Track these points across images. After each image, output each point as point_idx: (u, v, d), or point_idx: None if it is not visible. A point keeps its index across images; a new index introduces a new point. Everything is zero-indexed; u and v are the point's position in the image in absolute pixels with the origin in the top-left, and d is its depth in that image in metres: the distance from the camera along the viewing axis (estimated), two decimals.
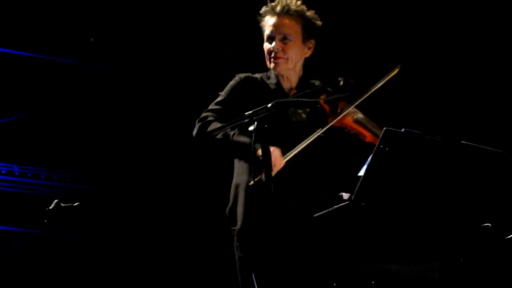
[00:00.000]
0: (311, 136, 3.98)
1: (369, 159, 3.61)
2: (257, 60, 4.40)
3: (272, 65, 4.19)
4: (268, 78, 4.26)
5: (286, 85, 4.24)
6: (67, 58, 7.52)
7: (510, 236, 3.84)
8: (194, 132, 4.16)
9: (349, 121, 4.11)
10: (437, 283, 3.80)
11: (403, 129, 3.55)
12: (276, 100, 3.66)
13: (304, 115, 4.14)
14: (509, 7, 6.39)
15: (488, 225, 3.71)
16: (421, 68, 6.53)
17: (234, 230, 4.14)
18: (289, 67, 4.18)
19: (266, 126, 3.58)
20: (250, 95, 4.15)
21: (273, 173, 3.73)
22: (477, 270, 3.79)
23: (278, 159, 3.89)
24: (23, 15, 7.31)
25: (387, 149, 3.53)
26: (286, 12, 4.14)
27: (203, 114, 4.18)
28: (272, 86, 4.22)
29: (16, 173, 7.57)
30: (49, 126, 7.52)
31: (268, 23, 4.19)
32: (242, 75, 4.26)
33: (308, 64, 4.26)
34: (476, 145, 3.63)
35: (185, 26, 7.31)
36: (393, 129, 3.54)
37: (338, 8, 6.63)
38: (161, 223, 7.57)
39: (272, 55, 4.16)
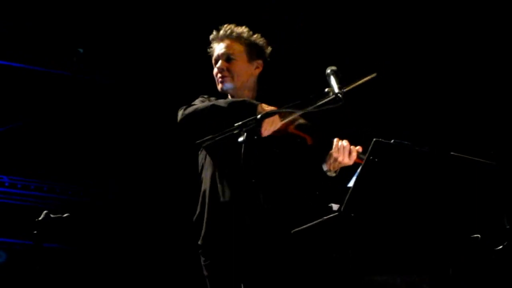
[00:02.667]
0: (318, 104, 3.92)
1: (359, 170, 3.61)
2: None
3: (219, 85, 4.34)
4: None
5: None
6: (58, 69, 7.51)
7: (500, 247, 3.84)
8: (179, 116, 4.22)
9: (291, 128, 4.11)
10: None
11: (392, 140, 3.56)
12: (265, 111, 3.69)
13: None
14: (498, 18, 6.41)
15: (478, 236, 3.71)
16: (409, 79, 6.55)
17: (198, 245, 4.19)
18: (236, 85, 4.30)
19: (255, 137, 3.60)
20: None
21: (267, 128, 3.91)
22: (466, 281, 3.79)
23: (276, 118, 3.97)
24: (15, 27, 7.31)
25: (376, 160, 3.53)
26: (228, 35, 4.34)
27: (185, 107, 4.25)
28: None
29: (6, 184, 7.56)
30: (40, 137, 7.52)
31: (214, 48, 4.39)
32: (206, 96, 4.36)
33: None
34: (465, 156, 3.63)
35: (178, 35, 7.32)
36: (382, 140, 3.54)
37: (324, 14, 6.66)
38: (152, 234, 7.56)
39: (218, 75, 4.33)
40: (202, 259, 4.20)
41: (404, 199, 3.61)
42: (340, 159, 4.03)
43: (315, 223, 3.71)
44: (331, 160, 4.07)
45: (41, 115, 7.49)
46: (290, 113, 4.00)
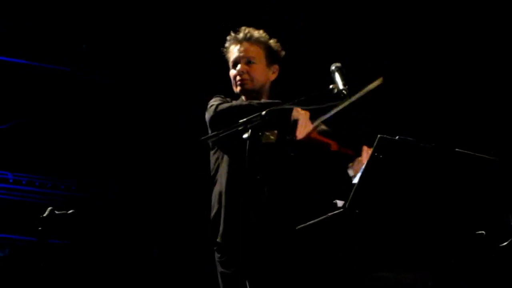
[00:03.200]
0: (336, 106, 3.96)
1: (363, 166, 3.61)
2: None
3: (238, 88, 4.35)
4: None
5: None
6: (62, 65, 7.52)
7: (504, 244, 3.83)
8: (211, 111, 4.20)
9: (315, 134, 4.12)
10: None
11: (397, 137, 3.55)
12: (269, 108, 3.69)
13: (272, 137, 4.16)
14: (497, 18, 6.41)
15: (482, 233, 3.71)
16: (413, 76, 6.54)
17: (216, 242, 4.20)
18: (255, 88, 4.33)
19: (260, 134, 3.61)
20: None
21: (301, 131, 3.95)
22: (471, 278, 3.79)
23: (309, 121, 4.00)
24: (15, 26, 7.32)
25: (381, 156, 3.52)
26: (248, 39, 4.36)
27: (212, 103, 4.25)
28: None
29: (11, 181, 7.58)
30: (44, 133, 7.52)
31: (233, 50, 4.39)
32: (222, 96, 4.36)
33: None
34: (470, 152, 3.63)
35: (178, 36, 7.32)
36: (387, 136, 3.54)
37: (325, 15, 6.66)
38: (156, 231, 7.57)
39: (238, 78, 4.33)
40: (218, 255, 4.21)
41: (409, 196, 3.61)
42: None
43: (320, 220, 3.71)
44: (359, 166, 4.06)
45: (45, 111, 7.50)
46: (314, 120, 4.03)
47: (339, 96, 3.88)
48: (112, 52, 7.47)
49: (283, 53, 4.45)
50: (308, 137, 4.07)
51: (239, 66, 4.34)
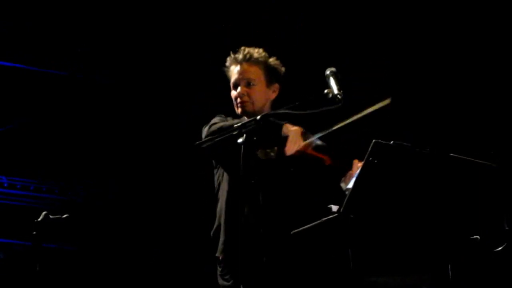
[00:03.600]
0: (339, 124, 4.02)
1: (358, 171, 3.61)
2: None
3: (239, 110, 4.37)
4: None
5: None
6: (59, 67, 7.51)
7: (499, 248, 3.84)
8: (204, 132, 4.27)
9: (309, 149, 4.14)
10: None
11: (392, 142, 3.56)
12: (264, 113, 3.71)
13: (273, 153, 4.18)
14: (497, 18, 6.41)
15: (477, 238, 3.71)
16: (410, 80, 6.54)
17: (217, 256, 4.28)
18: (256, 110, 4.32)
19: (254, 138, 3.62)
20: None
21: (291, 148, 3.97)
22: (465, 283, 3.79)
23: (301, 137, 4.03)
24: (14, 27, 7.32)
25: (375, 161, 3.53)
26: (248, 60, 4.36)
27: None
28: None
29: (5, 185, 7.56)
30: (38, 137, 7.51)
31: (233, 72, 4.40)
32: (222, 115, 4.39)
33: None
34: (465, 157, 3.63)
35: (178, 35, 7.32)
36: (381, 141, 3.54)
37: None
38: (152, 234, 7.56)
39: (238, 100, 4.35)
40: (219, 269, 4.28)
41: (404, 201, 3.61)
42: None
43: (315, 224, 3.71)
44: (350, 179, 4.07)
45: (40, 115, 7.49)
46: (309, 135, 4.05)
47: (334, 101, 3.88)
48: (112, 52, 7.47)
49: (283, 69, 4.45)
50: (299, 152, 4.08)
51: (239, 88, 4.35)
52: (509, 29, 6.35)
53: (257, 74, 4.36)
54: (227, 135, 3.73)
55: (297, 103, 3.91)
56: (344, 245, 3.77)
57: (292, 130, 4.01)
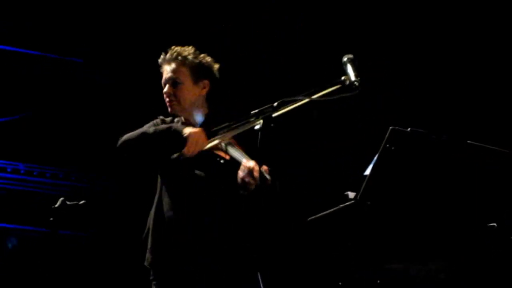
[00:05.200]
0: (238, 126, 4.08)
1: (375, 158, 3.61)
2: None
3: (169, 109, 4.48)
4: (178, 121, 4.49)
5: (191, 124, 4.43)
6: (72, 56, 7.54)
7: None
8: (118, 143, 4.42)
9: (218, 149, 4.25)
10: (443, 284, 3.80)
11: (409, 129, 3.55)
12: (282, 99, 3.70)
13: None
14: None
15: (494, 225, 3.71)
16: (426, 68, 6.53)
17: (147, 258, 4.39)
18: (184, 108, 4.45)
19: (272, 125, 3.63)
20: None
21: (190, 150, 4.11)
22: (482, 270, 3.79)
23: (202, 139, 4.17)
24: (15, 27, 7.36)
25: (393, 148, 3.53)
26: (174, 58, 4.45)
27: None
28: None
29: (22, 171, 7.59)
30: (55, 124, 7.54)
31: (163, 70, 4.50)
32: (161, 118, 4.53)
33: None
34: (482, 145, 3.62)
35: (178, 35, 7.34)
36: (399, 128, 3.54)
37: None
38: None
39: (166, 99, 4.47)
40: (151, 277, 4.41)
41: (421, 188, 3.61)
42: (246, 179, 4.05)
43: (331, 211, 3.72)
44: (239, 180, 4.12)
45: (57, 102, 7.52)
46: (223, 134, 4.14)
47: (351, 88, 3.87)
48: (111, 52, 7.51)
49: (216, 66, 4.52)
50: (201, 151, 4.17)
51: (166, 88, 4.46)
52: None
53: (182, 72, 4.43)
54: (244, 122, 3.75)
55: (312, 90, 3.90)
56: (360, 232, 3.77)
57: (192, 132, 4.15)
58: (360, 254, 3.77)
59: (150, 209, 4.45)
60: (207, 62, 4.50)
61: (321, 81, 3.98)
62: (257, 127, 3.71)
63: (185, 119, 4.48)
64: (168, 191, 4.35)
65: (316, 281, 4.07)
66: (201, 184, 4.29)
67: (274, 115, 3.74)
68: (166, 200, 4.34)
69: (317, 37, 6.98)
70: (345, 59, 3.95)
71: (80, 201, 4.80)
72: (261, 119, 3.67)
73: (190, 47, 4.50)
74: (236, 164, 4.10)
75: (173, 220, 4.28)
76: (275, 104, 3.66)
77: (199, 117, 4.47)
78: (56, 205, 4.71)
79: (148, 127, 4.38)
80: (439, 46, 6.62)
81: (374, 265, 3.77)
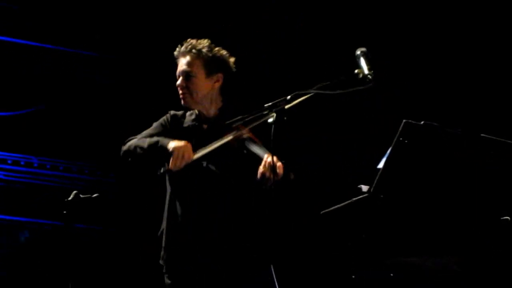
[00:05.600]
0: (218, 141, 4.23)
1: (388, 151, 3.60)
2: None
3: (182, 101, 4.50)
4: (191, 114, 4.55)
5: (205, 117, 4.51)
6: (86, 50, 7.55)
7: None
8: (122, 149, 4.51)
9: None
10: (456, 276, 3.80)
11: (422, 122, 3.55)
12: (295, 92, 3.71)
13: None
14: None
15: (507, 218, 3.70)
16: (439, 61, 6.51)
17: (161, 255, 4.45)
18: (196, 101, 4.47)
19: (285, 118, 3.63)
20: (174, 131, 4.48)
21: (176, 164, 4.17)
22: (496, 264, 3.78)
23: (188, 152, 4.21)
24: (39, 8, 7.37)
25: (406, 141, 3.53)
26: (188, 51, 4.48)
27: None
28: (190, 122, 4.53)
29: (35, 165, 7.62)
30: (68, 118, 7.56)
31: (178, 62, 4.53)
32: (172, 113, 4.59)
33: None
34: (496, 138, 3.61)
35: (179, 35, 7.35)
36: (412, 121, 3.53)
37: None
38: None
39: (179, 92, 4.49)
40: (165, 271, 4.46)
41: (434, 181, 3.60)
42: (267, 175, 4.08)
43: (345, 204, 3.72)
44: (259, 175, 4.14)
45: (70, 96, 7.54)
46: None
47: (364, 81, 3.87)
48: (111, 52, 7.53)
49: (231, 59, 4.54)
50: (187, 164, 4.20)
51: (179, 80, 4.47)
52: None
53: (196, 65, 4.45)
54: (257, 115, 3.75)
55: (327, 82, 3.90)
56: (373, 225, 3.77)
57: (177, 147, 4.20)
58: (373, 247, 3.76)
59: (161, 203, 4.49)
60: (221, 55, 4.51)
61: (321, 81, 3.99)
62: (270, 120, 3.72)
63: (198, 111, 4.50)
64: (176, 191, 4.41)
65: (329, 274, 4.07)
66: (210, 181, 4.32)
67: (286, 106, 3.75)
68: (175, 199, 4.41)
69: (317, 37, 6.97)
70: (358, 52, 3.95)
71: (93, 195, 4.82)
72: (274, 112, 3.67)
73: (206, 40, 4.52)
74: (256, 158, 4.10)
75: (182, 219, 4.35)
76: (289, 97, 3.67)
77: (212, 110, 4.49)
78: (69, 198, 4.73)
79: (147, 134, 4.46)
80: (451, 40, 6.61)
81: (387, 258, 3.77)
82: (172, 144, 4.22)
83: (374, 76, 3.83)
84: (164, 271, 4.42)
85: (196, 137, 4.35)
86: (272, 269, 4.25)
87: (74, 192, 4.78)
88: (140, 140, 4.42)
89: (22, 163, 7.57)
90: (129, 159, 4.43)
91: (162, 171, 4.31)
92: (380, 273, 3.81)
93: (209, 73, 4.46)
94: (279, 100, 3.66)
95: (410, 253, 3.80)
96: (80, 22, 7.47)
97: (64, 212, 4.72)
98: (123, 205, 7.62)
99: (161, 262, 4.44)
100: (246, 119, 3.87)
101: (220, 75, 4.49)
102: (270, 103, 3.69)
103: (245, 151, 4.22)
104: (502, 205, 3.68)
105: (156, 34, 7.37)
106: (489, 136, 3.62)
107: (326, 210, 3.79)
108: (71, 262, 5.47)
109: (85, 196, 4.79)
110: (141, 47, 7.51)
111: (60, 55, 7.53)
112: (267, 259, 4.28)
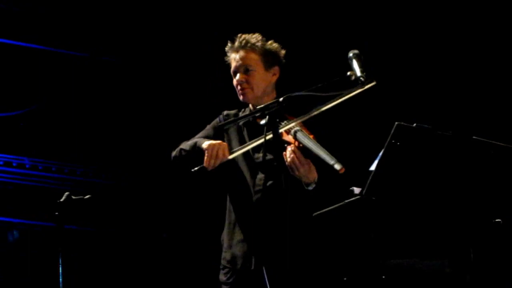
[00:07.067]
0: (258, 138, 4.11)
1: (380, 153, 3.61)
2: None
3: (241, 97, 4.45)
4: (244, 112, 4.51)
5: None
6: (77, 51, 7.55)
7: None
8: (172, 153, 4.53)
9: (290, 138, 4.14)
10: (448, 279, 3.80)
11: (414, 124, 3.56)
12: (287, 94, 3.71)
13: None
14: None
15: (499, 221, 3.71)
16: (431, 63, 6.53)
17: (223, 260, 4.43)
18: (257, 95, 4.42)
19: (278, 120, 3.64)
20: (229, 131, 4.46)
21: (210, 162, 4.13)
22: (488, 266, 3.79)
23: (222, 151, 4.17)
24: (36, 9, 7.36)
25: (398, 143, 3.53)
26: (243, 46, 4.43)
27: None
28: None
29: (27, 166, 7.60)
30: (60, 119, 7.55)
31: (232, 59, 4.48)
32: (225, 113, 4.56)
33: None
34: (487, 140, 3.62)
35: (179, 34, 7.36)
36: (404, 123, 3.54)
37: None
38: (170, 218, 7.59)
39: (238, 87, 4.43)
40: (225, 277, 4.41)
41: (426, 183, 3.61)
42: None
43: (336, 207, 3.72)
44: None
45: (62, 97, 7.53)
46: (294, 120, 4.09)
47: (356, 83, 3.88)
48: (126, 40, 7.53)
49: (283, 52, 4.50)
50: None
51: (238, 76, 4.41)
52: None
53: (254, 59, 4.41)
54: (249, 116, 3.75)
55: (319, 85, 3.90)
56: (365, 227, 3.77)
57: (211, 145, 4.17)
58: (364, 249, 3.77)
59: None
60: (275, 48, 4.49)
61: (320, 81, 4.00)
62: (262, 122, 3.73)
63: (253, 106, 4.44)
64: (230, 194, 4.43)
65: (320, 276, 4.06)
66: (268, 178, 4.29)
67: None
68: (229, 203, 4.43)
69: (317, 37, 6.97)
70: (350, 54, 3.96)
71: (85, 196, 4.81)
72: (267, 114, 3.68)
73: (257, 34, 4.49)
74: (308, 152, 4.04)
75: (234, 222, 4.36)
76: (281, 99, 3.67)
77: None
78: (62, 200, 4.72)
79: (197, 137, 4.43)
80: (442, 42, 6.62)
81: (379, 260, 3.78)
82: (206, 143, 4.19)
83: (366, 78, 3.84)
84: (224, 271, 4.40)
85: (251, 134, 4.30)
86: (264, 271, 4.24)
87: (66, 193, 4.77)
88: (185, 143, 4.42)
89: (14, 164, 7.55)
90: (177, 162, 4.44)
91: (196, 168, 4.20)
92: (371, 275, 3.82)
93: (267, 66, 4.44)
94: (271, 102, 3.67)
95: (402, 255, 3.81)
96: (79, 22, 7.47)
97: (56, 213, 4.71)
98: (116, 206, 7.61)
99: (223, 262, 4.40)
100: (239, 122, 3.87)
101: (276, 68, 4.47)
102: (262, 105, 3.69)
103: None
104: (494, 208, 3.69)
105: (156, 34, 7.38)
106: (481, 139, 3.62)
107: (318, 212, 3.79)
108: (63, 264, 5.46)
109: (77, 197, 4.78)
110: (140, 49, 7.51)
111: (53, 56, 7.52)
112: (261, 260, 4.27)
